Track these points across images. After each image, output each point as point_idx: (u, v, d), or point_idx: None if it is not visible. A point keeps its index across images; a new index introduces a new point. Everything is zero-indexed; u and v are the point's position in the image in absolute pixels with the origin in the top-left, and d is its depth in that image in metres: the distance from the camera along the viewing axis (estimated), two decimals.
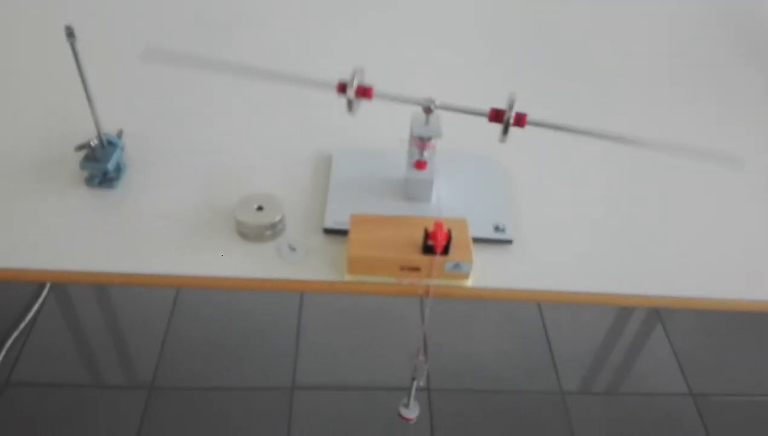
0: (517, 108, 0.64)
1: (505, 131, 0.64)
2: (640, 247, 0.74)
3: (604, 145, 0.87)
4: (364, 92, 0.66)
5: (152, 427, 1.35)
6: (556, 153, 0.86)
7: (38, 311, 1.55)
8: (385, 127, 0.78)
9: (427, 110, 0.67)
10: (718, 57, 1.09)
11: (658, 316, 1.67)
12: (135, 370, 1.46)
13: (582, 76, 1.01)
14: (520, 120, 0.63)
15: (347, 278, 0.67)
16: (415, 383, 0.75)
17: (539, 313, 1.66)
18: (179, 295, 1.62)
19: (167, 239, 0.69)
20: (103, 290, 1.63)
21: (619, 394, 1.50)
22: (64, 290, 1.62)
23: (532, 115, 0.64)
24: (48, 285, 1.61)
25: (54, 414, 1.36)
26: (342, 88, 0.65)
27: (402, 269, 0.66)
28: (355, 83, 0.65)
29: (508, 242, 0.72)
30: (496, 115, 0.63)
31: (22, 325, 1.51)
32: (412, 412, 0.76)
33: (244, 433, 1.36)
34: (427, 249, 0.65)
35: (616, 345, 1.61)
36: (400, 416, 0.77)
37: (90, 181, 0.73)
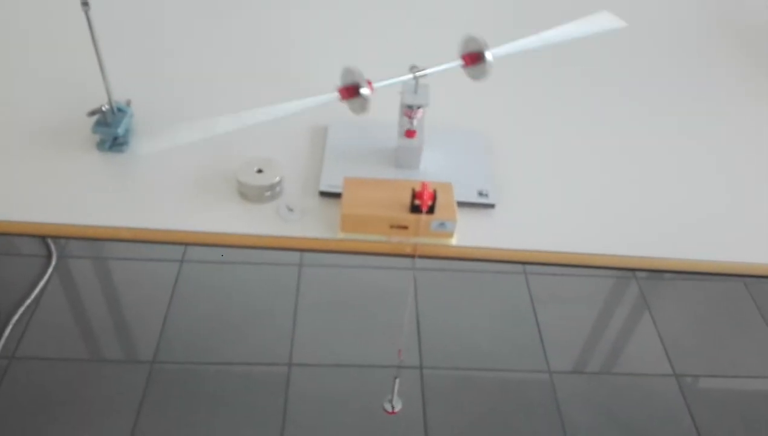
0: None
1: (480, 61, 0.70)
2: (618, 210, 0.80)
3: (585, 115, 0.92)
4: (369, 86, 0.69)
5: (154, 399, 1.40)
6: (538, 124, 0.91)
7: (43, 288, 1.60)
8: (377, 100, 0.83)
9: (414, 73, 0.71)
10: (701, 37, 1.15)
11: (645, 302, 1.73)
12: (137, 345, 1.51)
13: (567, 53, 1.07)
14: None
15: (340, 235, 0.72)
16: (397, 382, 0.81)
17: (529, 294, 1.71)
18: (181, 272, 1.67)
19: (172, 199, 0.75)
20: (106, 266, 1.68)
21: (605, 373, 1.55)
22: (68, 267, 1.67)
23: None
24: (53, 262, 1.66)
25: (58, 387, 1.41)
26: (351, 92, 0.68)
27: (391, 227, 0.71)
28: (359, 82, 0.68)
29: (491, 206, 0.77)
30: (469, 57, 0.69)
31: (28, 301, 1.56)
32: (395, 407, 0.83)
33: (242, 407, 1.40)
34: (414, 208, 0.70)
35: (604, 328, 1.67)
36: (384, 410, 0.84)
37: (101, 145, 0.78)
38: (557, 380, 1.53)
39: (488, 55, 0.72)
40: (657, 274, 1.83)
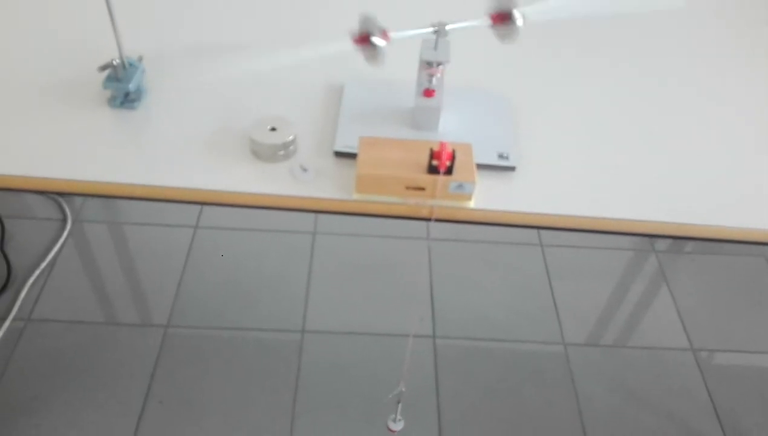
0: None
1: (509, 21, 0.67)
2: (640, 179, 0.77)
3: (612, 83, 0.89)
4: (384, 36, 0.67)
5: (167, 363, 1.41)
6: (560, 88, 0.88)
7: (59, 251, 1.61)
8: (394, 60, 0.81)
9: (439, 33, 0.69)
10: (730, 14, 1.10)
11: (663, 275, 1.70)
12: (152, 309, 1.51)
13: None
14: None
15: (355, 196, 0.70)
16: (400, 405, 0.81)
17: (545, 266, 1.69)
18: (195, 238, 1.67)
19: (185, 157, 0.73)
20: (121, 231, 1.68)
21: (620, 347, 1.54)
22: (83, 231, 1.67)
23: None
24: (68, 226, 1.67)
25: (73, 350, 1.42)
26: (364, 39, 0.66)
27: (407, 188, 0.69)
28: (373, 30, 0.66)
29: (511, 168, 0.75)
30: (497, 17, 0.66)
31: (44, 264, 1.57)
32: (398, 426, 0.83)
33: (255, 372, 1.41)
34: (432, 169, 0.68)
35: (620, 301, 1.64)
36: (388, 428, 0.84)
37: (112, 101, 0.76)
38: (571, 352, 1.51)
39: (518, 16, 0.69)
40: (676, 248, 1.80)
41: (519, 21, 0.68)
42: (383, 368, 1.44)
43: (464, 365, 1.46)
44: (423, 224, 1.74)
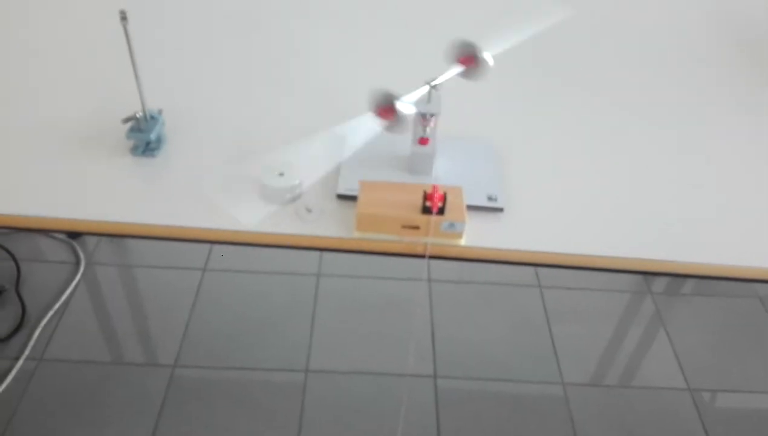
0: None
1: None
2: (622, 215, 0.83)
3: (591, 122, 0.96)
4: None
5: (174, 402, 1.44)
6: (545, 132, 0.96)
7: (71, 293, 1.66)
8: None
9: (429, 83, 0.76)
10: (704, 46, 1.18)
11: (660, 318, 1.74)
12: (159, 349, 1.55)
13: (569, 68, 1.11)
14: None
15: (355, 234, 0.76)
16: None
17: (543, 308, 1.73)
18: (203, 280, 1.73)
19: (200, 200, 0.80)
20: (132, 274, 1.74)
21: (619, 387, 1.56)
22: (95, 273, 1.73)
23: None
24: (81, 269, 1.73)
25: (83, 389, 1.46)
26: (387, 111, 0.72)
27: (403, 227, 0.75)
28: (393, 101, 0.72)
29: (500, 209, 0.81)
30: (465, 60, 0.75)
31: (57, 305, 1.62)
32: None
33: (260, 411, 1.44)
34: (426, 210, 0.74)
35: (618, 342, 1.68)
36: None
37: (134, 150, 0.83)
38: (570, 392, 1.54)
39: (484, 55, 0.76)
40: (672, 289, 1.84)
41: (489, 61, 0.76)
42: (385, 407, 1.47)
43: (465, 405, 1.49)
44: (423, 265, 1.79)
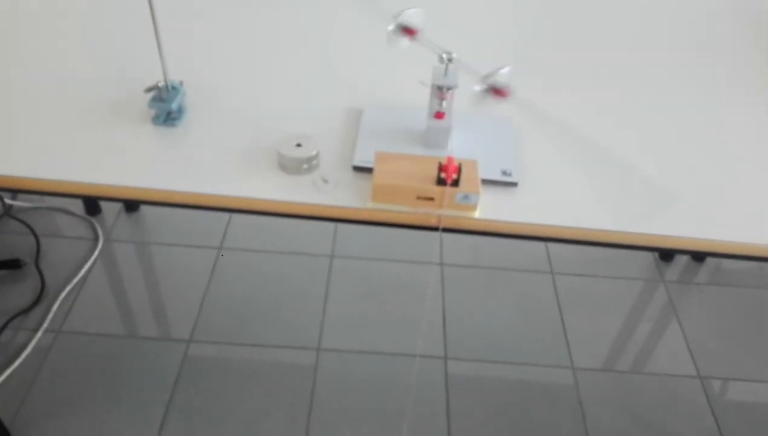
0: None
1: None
2: (636, 192, 0.83)
3: (608, 101, 0.96)
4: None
5: (189, 376, 1.47)
6: (561, 109, 0.96)
7: (90, 269, 1.70)
8: (410, 87, 0.89)
9: (445, 61, 0.77)
10: (720, 37, 1.18)
11: (672, 305, 1.74)
12: (175, 325, 1.58)
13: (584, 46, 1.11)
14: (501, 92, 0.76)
15: (370, 205, 0.78)
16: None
17: (555, 294, 1.74)
18: (218, 258, 1.75)
19: (219, 169, 0.81)
20: (149, 250, 1.77)
21: (628, 372, 1.57)
22: (113, 250, 1.76)
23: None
24: (99, 245, 1.76)
25: (100, 361, 1.49)
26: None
27: (418, 198, 0.76)
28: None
29: (514, 184, 0.82)
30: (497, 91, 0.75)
31: (75, 280, 1.65)
32: None
33: (272, 387, 1.46)
34: (440, 181, 0.75)
35: (629, 329, 1.68)
36: None
37: (156, 119, 0.85)
38: (580, 377, 1.55)
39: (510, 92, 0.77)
40: (686, 278, 1.83)
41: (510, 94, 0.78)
42: (395, 387, 1.49)
43: (474, 387, 1.51)
44: (435, 248, 1.80)
